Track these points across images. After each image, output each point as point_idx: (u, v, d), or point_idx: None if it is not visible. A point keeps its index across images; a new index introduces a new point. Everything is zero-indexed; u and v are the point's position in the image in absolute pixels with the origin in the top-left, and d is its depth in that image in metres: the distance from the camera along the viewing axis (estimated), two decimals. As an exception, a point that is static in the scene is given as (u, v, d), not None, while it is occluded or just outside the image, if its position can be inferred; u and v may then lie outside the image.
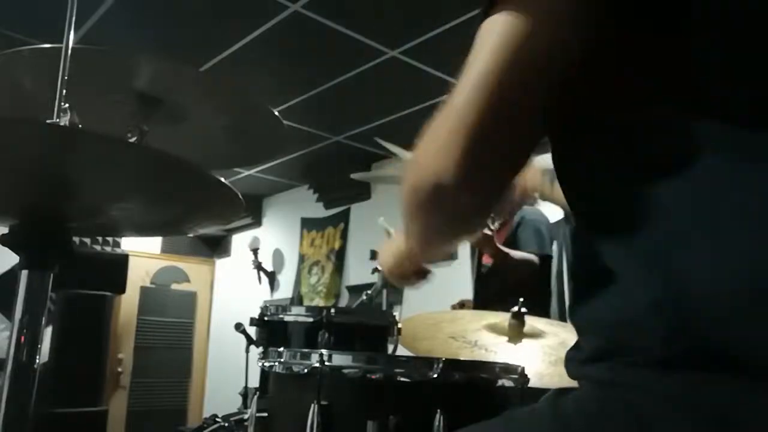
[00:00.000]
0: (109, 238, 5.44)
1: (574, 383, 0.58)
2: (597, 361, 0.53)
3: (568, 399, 0.55)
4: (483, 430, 0.63)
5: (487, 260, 2.59)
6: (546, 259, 2.54)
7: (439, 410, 0.91)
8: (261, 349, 1.24)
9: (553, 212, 2.61)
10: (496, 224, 2.75)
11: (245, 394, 2.87)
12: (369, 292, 1.60)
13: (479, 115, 0.53)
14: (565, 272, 2.38)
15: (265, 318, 1.32)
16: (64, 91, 0.91)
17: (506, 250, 2.43)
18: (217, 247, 6.60)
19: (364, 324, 1.31)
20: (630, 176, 0.52)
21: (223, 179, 0.83)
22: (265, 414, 1.08)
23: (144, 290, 5.94)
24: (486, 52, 0.54)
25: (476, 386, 1.02)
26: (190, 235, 6.09)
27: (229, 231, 6.41)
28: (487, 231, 2.31)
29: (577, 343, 0.59)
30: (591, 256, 0.54)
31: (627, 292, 0.50)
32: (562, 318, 2.46)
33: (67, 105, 0.90)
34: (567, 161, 0.60)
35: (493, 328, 1.50)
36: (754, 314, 0.44)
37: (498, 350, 1.42)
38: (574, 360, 0.58)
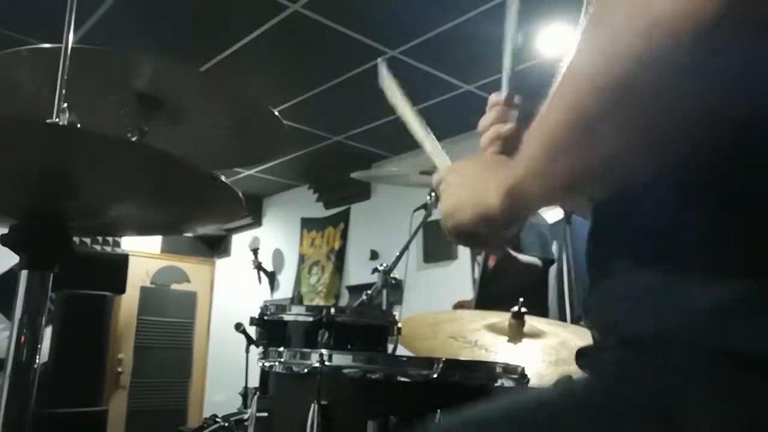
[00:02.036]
0: (109, 238, 5.44)
1: None
2: (619, 351, 0.52)
3: (581, 383, 0.54)
4: (489, 413, 0.61)
5: (492, 261, 2.58)
6: (549, 263, 2.54)
7: (439, 410, 0.91)
8: (261, 349, 1.24)
9: (552, 213, 2.61)
10: None
11: (245, 394, 2.87)
12: (369, 292, 1.60)
13: None
14: (565, 272, 2.38)
15: (265, 317, 1.32)
16: (64, 91, 0.91)
17: (514, 252, 2.42)
18: (217, 247, 6.59)
19: (364, 324, 1.31)
20: None
21: (223, 178, 0.83)
22: (265, 414, 1.08)
23: (144, 290, 5.94)
24: None
25: (476, 386, 1.02)
26: (191, 234, 6.09)
27: (229, 231, 6.41)
28: None
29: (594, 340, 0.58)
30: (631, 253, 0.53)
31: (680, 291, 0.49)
32: (561, 318, 2.46)
33: (66, 105, 0.90)
34: None
35: (493, 328, 1.50)
36: None
37: (498, 350, 1.42)
38: (589, 354, 0.57)
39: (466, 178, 0.69)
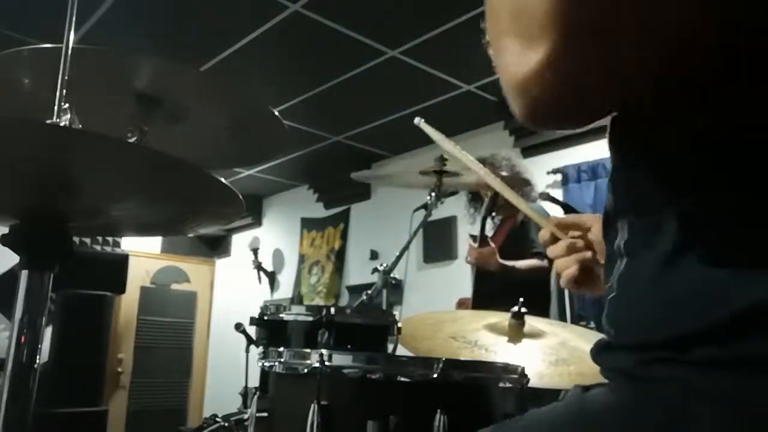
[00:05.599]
0: (109, 238, 5.45)
1: (580, 382, 0.57)
2: (634, 352, 0.51)
3: (596, 395, 0.54)
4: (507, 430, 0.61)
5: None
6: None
7: (439, 410, 0.91)
8: (261, 348, 1.24)
9: (553, 212, 2.60)
10: (496, 220, 2.75)
11: (245, 394, 2.87)
12: (369, 292, 1.60)
13: None
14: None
15: (265, 317, 1.32)
16: (64, 91, 0.91)
17: (510, 263, 2.43)
18: (217, 247, 6.60)
19: (364, 324, 1.30)
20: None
21: (223, 179, 0.83)
22: (265, 414, 1.08)
23: (144, 290, 5.95)
24: None
25: (476, 386, 1.02)
26: (191, 235, 6.09)
27: (229, 231, 6.41)
28: (488, 245, 2.33)
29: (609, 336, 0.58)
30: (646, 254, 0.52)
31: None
32: (561, 318, 2.46)
33: (67, 105, 0.90)
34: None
35: (493, 328, 1.50)
36: None
37: (498, 350, 1.42)
38: (605, 348, 0.56)
39: None
